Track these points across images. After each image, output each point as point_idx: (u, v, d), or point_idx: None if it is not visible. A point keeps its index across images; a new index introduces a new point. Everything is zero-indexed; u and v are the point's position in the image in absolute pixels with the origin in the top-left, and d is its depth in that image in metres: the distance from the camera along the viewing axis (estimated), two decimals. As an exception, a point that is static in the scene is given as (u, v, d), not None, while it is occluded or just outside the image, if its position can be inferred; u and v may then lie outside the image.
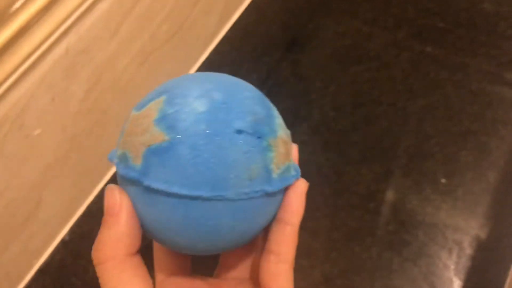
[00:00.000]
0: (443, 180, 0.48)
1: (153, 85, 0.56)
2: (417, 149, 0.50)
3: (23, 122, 0.37)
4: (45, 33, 0.35)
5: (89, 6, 0.38)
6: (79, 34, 0.38)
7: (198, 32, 0.55)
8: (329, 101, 0.54)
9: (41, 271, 0.46)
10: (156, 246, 0.26)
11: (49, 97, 0.38)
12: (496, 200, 0.47)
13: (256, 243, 0.26)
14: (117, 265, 0.20)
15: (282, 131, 0.22)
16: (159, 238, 0.22)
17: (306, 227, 0.33)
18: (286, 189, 0.23)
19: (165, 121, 0.20)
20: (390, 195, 0.48)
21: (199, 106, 0.20)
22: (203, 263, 0.27)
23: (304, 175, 0.24)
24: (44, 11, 0.35)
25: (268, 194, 0.21)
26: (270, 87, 0.54)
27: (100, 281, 0.20)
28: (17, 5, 0.33)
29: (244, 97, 0.22)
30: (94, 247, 0.21)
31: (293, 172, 0.23)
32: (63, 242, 0.47)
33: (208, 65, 0.57)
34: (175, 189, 0.20)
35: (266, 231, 0.24)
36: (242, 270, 0.26)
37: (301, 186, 0.23)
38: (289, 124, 0.24)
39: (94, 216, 0.49)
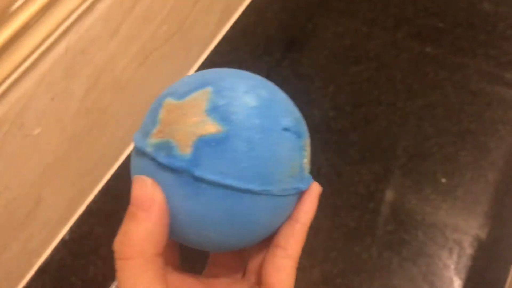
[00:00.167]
0: (442, 180, 0.48)
1: (152, 85, 0.57)
2: (417, 149, 0.50)
3: (23, 122, 0.37)
4: (45, 33, 0.36)
5: (89, 6, 0.38)
6: (79, 34, 0.38)
7: (197, 32, 0.55)
8: (328, 101, 0.54)
9: (41, 271, 0.46)
10: None
11: (48, 96, 0.38)
12: (496, 199, 0.47)
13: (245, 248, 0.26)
14: (142, 264, 0.19)
15: (307, 133, 0.23)
16: (185, 233, 0.22)
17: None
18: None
19: (218, 112, 0.20)
20: (389, 195, 0.48)
21: (250, 101, 0.21)
22: (192, 261, 0.27)
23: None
24: (44, 10, 0.35)
25: (299, 192, 0.23)
26: (270, 87, 0.54)
27: (119, 276, 0.19)
28: (17, 4, 0.33)
29: (282, 97, 0.23)
30: (120, 239, 0.20)
31: (309, 174, 0.24)
32: (63, 241, 0.47)
33: (208, 65, 0.57)
34: (229, 181, 0.20)
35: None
36: (233, 269, 0.26)
37: (316, 188, 0.23)
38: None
39: (94, 215, 0.49)
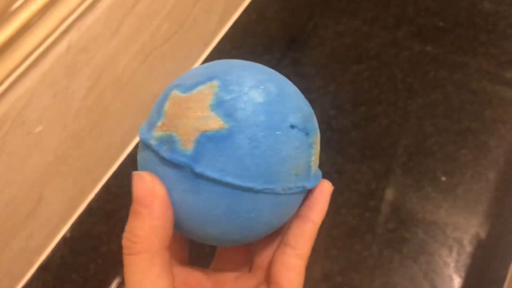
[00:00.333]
0: (443, 179, 0.49)
1: (153, 84, 0.57)
2: (417, 148, 0.50)
3: (25, 120, 0.37)
4: (46, 31, 0.36)
5: (90, 4, 0.38)
6: (80, 32, 0.38)
7: (198, 31, 0.55)
8: (329, 100, 0.54)
9: (42, 268, 0.46)
10: None
11: (50, 94, 0.38)
12: (496, 198, 0.47)
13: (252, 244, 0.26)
14: (150, 258, 0.19)
15: (317, 130, 0.23)
16: (187, 227, 0.22)
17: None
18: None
19: (223, 107, 0.20)
20: (390, 193, 0.48)
21: (257, 96, 0.20)
22: (200, 255, 0.27)
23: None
24: (46, 9, 0.35)
25: (305, 191, 0.22)
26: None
27: (126, 271, 0.20)
28: (18, 3, 0.33)
29: (292, 92, 0.22)
30: (127, 236, 0.20)
31: (319, 172, 0.23)
32: (64, 239, 0.47)
33: (209, 64, 0.57)
34: (229, 179, 0.20)
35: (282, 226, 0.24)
36: (240, 264, 0.26)
37: (328, 187, 0.23)
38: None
39: (95, 213, 0.49)
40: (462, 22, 0.59)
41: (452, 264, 0.44)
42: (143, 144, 0.22)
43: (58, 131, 0.41)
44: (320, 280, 0.44)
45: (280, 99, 0.21)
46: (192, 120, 0.20)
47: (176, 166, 0.20)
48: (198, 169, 0.20)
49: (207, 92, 0.20)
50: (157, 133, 0.21)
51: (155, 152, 0.21)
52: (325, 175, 0.24)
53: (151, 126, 0.22)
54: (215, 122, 0.20)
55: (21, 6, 0.33)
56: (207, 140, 0.20)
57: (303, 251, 0.22)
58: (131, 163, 0.51)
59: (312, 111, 0.23)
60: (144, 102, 0.52)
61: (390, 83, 0.55)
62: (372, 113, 0.53)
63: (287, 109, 0.21)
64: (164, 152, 0.20)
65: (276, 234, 0.24)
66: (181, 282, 0.24)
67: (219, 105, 0.20)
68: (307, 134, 0.21)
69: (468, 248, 0.45)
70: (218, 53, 0.58)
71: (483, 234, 0.46)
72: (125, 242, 0.20)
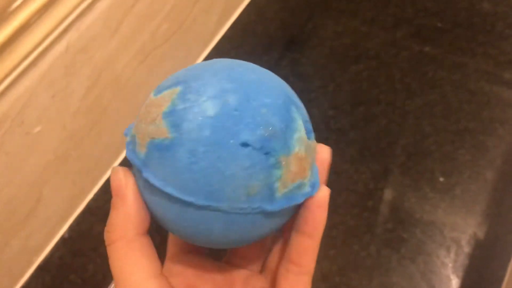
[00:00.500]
0: (441, 179, 0.49)
1: (152, 84, 0.57)
2: (415, 148, 0.51)
3: (24, 120, 0.37)
4: (45, 31, 0.36)
5: (89, 4, 0.38)
6: (79, 32, 0.38)
7: (198, 31, 0.55)
8: (328, 100, 0.54)
9: (41, 268, 0.46)
10: None
11: (49, 94, 0.38)
12: (494, 198, 0.47)
13: (266, 241, 0.26)
14: (126, 244, 0.20)
15: (300, 146, 0.20)
16: (161, 225, 0.22)
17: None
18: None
19: (173, 116, 0.20)
20: (388, 193, 0.48)
21: (209, 108, 0.19)
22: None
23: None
24: (45, 8, 0.35)
25: (268, 213, 0.20)
26: (269, 86, 0.55)
27: (110, 261, 0.21)
28: (17, 2, 0.33)
29: (262, 104, 0.20)
30: (106, 228, 0.21)
31: (307, 189, 0.21)
32: (62, 239, 0.47)
33: (208, 64, 0.57)
34: (169, 190, 0.20)
35: (283, 237, 0.23)
36: (252, 262, 0.25)
37: (322, 198, 0.21)
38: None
39: (94, 213, 0.49)
40: (461, 22, 0.59)
41: (450, 264, 0.44)
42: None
43: (57, 131, 0.41)
44: (318, 280, 0.44)
45: (237, 114, 0.19)
46: (147, 125, 0.20)
47: (135, 168, 0.21)
48: (145, 174, 0.20)
49: (167, 98, 0.20)
50: (131, 131, 0.22)
51: (126, 150, 0.22)
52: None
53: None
54: (161, 131, 0.20)
55: (20, 6, 0.33)
56: (154, 147, 0.20)
57: (308, 268, 0.22)
58: (130, 163, 0.51)
59: (292, 126, 0.20)
60: (144, 102, 0.52)
61: (388, 83, 0.55)
62: (370, 113, 0.53)
63: (243, 125, 0.19)
64: (128, 151, 0.21)
65: (288, 233, 0.23)
66: (193, 273, 0.24)
67: (171, 114, 0.20)
68: (266, 153, 0.19)
69: (466, 248, 0.45)
70: (217, 53, 0.58)
71: (481, 234, 0.46)
72: (105, 234, 0.21)
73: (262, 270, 0.25)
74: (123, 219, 0.21)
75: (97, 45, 0.41)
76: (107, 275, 0.46)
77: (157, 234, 0.23)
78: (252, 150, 0.19)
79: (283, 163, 0.20)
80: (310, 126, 0.22)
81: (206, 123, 0.19)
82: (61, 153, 0.43)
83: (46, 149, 0.41)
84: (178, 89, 0.20)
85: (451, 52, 0.57)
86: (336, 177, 0.49)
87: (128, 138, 0.22)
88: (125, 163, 0.51)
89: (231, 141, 0.19)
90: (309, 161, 0.21)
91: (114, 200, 0.21)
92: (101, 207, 0.49)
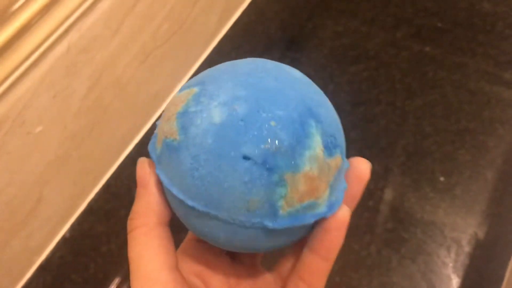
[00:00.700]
0: (441, 179, 0.49)
1: (153, 84, 0.57)
2: (415, 148, 0.51)
3: (25, 120, 0.37)
4: (46, 32, 0.36)
5: (90, 5, 0.38)
6: (80, 33, 0.38)
7: (198, 31, 0.55)
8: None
9: (42, 268, 0.46)
10: None
11: (50, 95, 0.38)
12: (494, 198, 0.47)
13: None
14: (146, 232, 0.21)
15: (312, 165, 0.19)
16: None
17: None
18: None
19: (184, 118, 0.19)
20: (388, 193, 0.48)
21: (216, 115, 0.19)
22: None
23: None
24: (46, 9, 0.35)
25: (271, 230, 0.19)
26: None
27: (128, 248, 0.21)
28: (19, 3, 0.33)
29: (273, 116, 0.19)
30: (129, 216, 0.21)
31: (321, 209, 0.20)
32: (63, 239, 0.48)
33: (209, 64, 0.57)
34: (175, 191, 0.20)
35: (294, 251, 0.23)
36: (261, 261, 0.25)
37: (341, 220, 0.20)
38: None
39: (95, 213, 0.49)
40: (461, 22, 0.59)
41: (450, 264, 0.44)
42: None
43: (58, 131, 0.41)
44: (319, 279, 0.44)
45: (242, 125, 0.18)
46: (164, 122, 0.20)
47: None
48: (157, 170, 0.20)
49: (183, 98, 0.20)
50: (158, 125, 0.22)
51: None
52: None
53: None
54: (173, 131, 0.20)
55: (21, 7, 0.33)
56: (166, 146, 0.20)
57: (319, 287, 0.21)
58: (131, 163, 0.51)
59: (305, 143, 0.19)
60: (144, 102, 0.52)
61: (388, 84, 0.55)
62: (370, 113, 0.53)
63: (247, 137, 0.18)
64: (150, 144, 0.21)
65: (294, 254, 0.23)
66: (204, 261, 0.23)
67: (183, 115, 0.19)
68: (269, 169, 0.18)
69: (466, 248, 0.45)
70: (218, 53, 0.58)
71: (481, 234, 0.46)
72: (128, 222, 0.21)
73: (272, 270, 0.24)
74: (145, 208, 0.21)
75: (98, 46, 0.41)
76: (108, 275, 0.46)
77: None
78: (253, 164, 0.18)
79: (289, 181, 0.18)
80: (337, 141, 0.20)
81: (210, 131, 0.19)
82: (62, 153, 0.43)
83: (47, 149, 0.41)
84: (195, 90, 0.20)
85: (451, 52, 0.57)
86: (336, 177, 0.49)
87: (155, 131, 0.22)
88: (127, 162, 0.51)
89: (232, 153, 0.18)
90: (325, 180, 0.19)
91: (138, 189, 0.22)
92: (102, 207, 0.49)
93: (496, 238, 0.46)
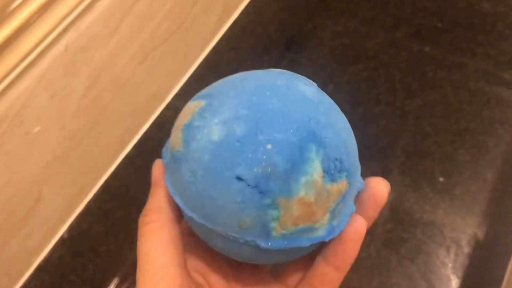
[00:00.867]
0: (440, 179, 0.49)
1: (152, 84, 0.57)
2: (415, 148, 0.51)
3: (23, 120, 0.37)
4: (44, 31, 0.36)
5: (89, 4, 0.38)
6: (78, 32, 0.38)
7: (197, 31, 0.55)
8: (327, 100, 0.54)
9: (40, 268, 0.46)
10: None
11: (48, 94, 0.38)
12: (494, 198, 0.47)
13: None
14: (157, 228, 0.21)
15: (307, 191, 0.18)
16: None
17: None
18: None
19: (188, 131, 0.20)
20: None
21: (215, 133, 0.19)
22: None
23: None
24: (44, 8, 0.35)
25: (264, 249, 0.19)
26: (269, 86, 0.54)
27: (138, 243, 0.21)
28: (17, 2, 0.33)
29: (270, 139, 0.18)
30: (142, 213, 0.22)
31: (319, 233, 0.20)
32: (62, 239, 0.47)
33: (208, 64, 0.57)
34: (176, 200, 0.20)
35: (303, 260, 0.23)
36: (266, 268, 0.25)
37: (358, 232, 0.20)
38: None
39: (94, 213, 0.49)
40: (461, 22, 0.59)
41: (449, 265, 0.44)
42: None
43: (56, 131, 0.41)
44: (318, 280, 0.44)
45: (238, 146, 0.18)
46: (174, 131, 0.21)
47: None
48: (165, 177, 0.21)
49: (191, 109, 0.21)
50: None
51: None
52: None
53: None
54: (178, 142, 0.20)
55: (19, 6, 0.33)
56: (172, 155, 0.21)
57: None
58: (130, 163, 0.51)
59: (301, 169, 0.18)
60: (143, 102, 0.52)
61: (388, 84, 0.55)
62: (370, 113, 0.53)
63: (241, 159, 0.18)
64: (164, 148, 0.22)
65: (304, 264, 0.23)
66: (205, 259, 0.24)
67: (188, 128, 0.20)
68: (262, 192, 0.18)
69: (466, 249, 0.45)
70: (217, 53, 0.58)
71: (481, 235, 0.46)
72: (140, 218, 0.22)
73: (279, 281, 0.24)
74: (157, 206, 0.22)
75: (97, 45, 0.41)
76: (106, 275, 0.46)
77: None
78: (246, 186, 0.18)
79: (281, 205, 0.18)
80: (343, 165, 0.20)
81: (208, 148, 0.19)
82: (60, 153, 0.43)
83: (45, 149, 0.41)
84: (202, 103, 0.20)
85: (450, 52, 0.57)
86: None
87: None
88: (125, 162, 0.51)
89: (226, 173, 0.18)
90: (324, 206, 0.19)
91: (152, 188, 0.23)
92: (100, 207, 0.49)
93: (495, 239, 0.46)
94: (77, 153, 0.44)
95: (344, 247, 0.20)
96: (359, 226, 0.20)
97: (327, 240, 0.20)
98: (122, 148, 0.52)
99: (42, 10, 0.35)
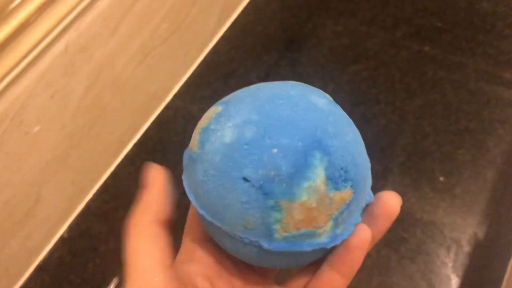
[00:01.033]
0: (441, 179, 0.49)
1: (152, 83, 0.57)
2: (415, 148, 0.51)
3: (23, 119, 0.37)
4: (44, 30, 0.36)
5: (89, 4, 0.38)
6: (78, 32, 0.38)
7: (197, 31, 0.55)
8: (327, 99, 0.54)
9: (40, 268, 0.46)
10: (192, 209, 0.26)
11: (48, 94, 0.38)
12: (494, 198, 0.47)
13: None
14: (140, 230, 0.21)
15: (309, 196, 0.19)
16: None
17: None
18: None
19: (204, 134, 0.21)
20: (388, 193, 0.48)
21: (227, 136, 0.20)
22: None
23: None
24: (44, 8, 0.35)
25: (267, 250, 0.20)
26: (269, 85, 0.55)
27: (125, 246, 0.21)
28: (17, 1, 0.33)
29: (276, 144, 0.19)
30: (131, 214, 0.22)
31: (321, 239, 0.20)
32: (62, 239, 0.47)
33: (207, 64, 0.57)
34: (190, 197, 0.21)
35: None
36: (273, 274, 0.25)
37: (362, 240, 0.20)
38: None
39: (93, 213, 0.49)
40: (460, 22, 0.59)
41: (450, 264, 0.44)
42: None
43: (56, 131, 0.41)
44: (318, 280, 0.44)
45: (246, 148, 0.19)
46: (194, 133, 0.22)
47: None
48: (183, 176, 0.22)
49: (209, 114, 0.22)
50: None
51: None
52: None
53: None
54: (195, 144, 0.21)
55: (19, 5, 0.33)
56: (189, 156, 0.22)
57: None
58: (129, 163, 0.51)
59: (304, 174, 0.19)
60: (143, 101, 0.52)
61: (388, 83, 0.55)
62: (370, 113, 0.53)
63: (248, 160, 0.19)
64: (186, 150, 0.23)
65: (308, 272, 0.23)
66: (214, 264, 0.24)
67: (205, 131, 0.21)
68: (265, 194, 0.19)
69: (466, 248, 0.45)
70: (216, 53, 0.58)
71: (481, 234, 0.46)
72: (130, 218, 0.22)
73: (283, 285, 0.24)
74: (142, 206, 0.22)
75: (96, 45, 0.41)
76: (106, 275, 0.46)
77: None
78: (251, 187, 0.19)
79: (284, 207, 0.19)
80: (348, 175, 0.20)
81: (220, 150, 0.20)
82: (60, 153, 0.42)
83: (45, 149, 0.41)
84: (219, 108, 0.21)
85: (450, 52, 0.57)
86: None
87: None
88: (125, 162, 0.51)
89: (234, 173, 0.19)
90: (326, 213, 0.20)
91: (143, 190, 0.23)
92: (100, 207, 0.49)
93: (495, 238, 0.46)
94: (76, 153, 0.44)
95: (349, 255, 0.21)
96: (364, 235, 0.21)
97: (328, 247, 0.20)
98: (122, 148, 0.52)
99: (41, 10, 0.35)
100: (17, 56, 0.34)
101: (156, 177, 0.22)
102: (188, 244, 0.24)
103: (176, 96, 0.54)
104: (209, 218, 0.20)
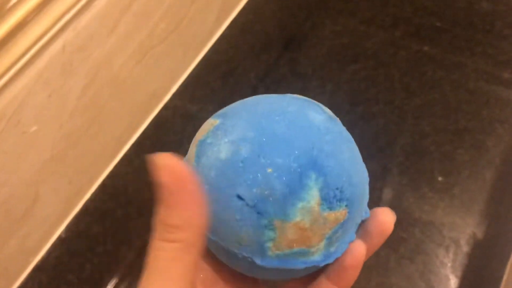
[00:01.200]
0: (439, 178, 0.49)
1: (150, 83, 0.56)
2: (414, 147, 0.50)
3: (20, 119, 0.37)
4: (42, 29, 0.35)
5: (87, 3, 0.38)
6: (76, 31, 0.38)
7: (195, 31, 0.55)
8: (326, 99, 0.54)
9: (37, 268, 0.46)
10: None
11: (46, 93, 0.38)
12: (493, 198, 0.47)
13: None
14: (178, 251, 0.20)
15: (303, 217, 0.19)
16: None
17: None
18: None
19: (201, 147, 0.21)
20: (387, 193, 0.48)
21: (223, 152, 0.20)
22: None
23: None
24: (41, 7, 0.35)
25: (260, 266, 0.20)
26: (268, 85, 0.54)
27: (150, 257, 0.18)
28: (14, 1, 0.33)
29: (271, 163, 0.19)
30: (160, 227, 0.20)
31: (314, 258, 0.20)
32: (59, 239, 0.47)
33: (206, 63, 0.57)
34: None
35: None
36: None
37: (357, 257, 0.21)
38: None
39: (91, 213, 0.49)
40: (460, 22, 0.59)
41: (449, 264, 0.44)
42: None
43: (53, 131, 0.41)
44: (317, 280, 0.44)
45: (241, 166, 0.19)
46: (191, 145, 0.22)
47: None
48: None
49: (207, 126, 0.22)
50: None
51: None
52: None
53: None
54: (192, 156, 0.21)
55: (17, 4, 0.33)
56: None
57: None
58: (127, 163, 0.51)
59: (299, 195, 0.19)
60: (141, 101, 0.52)
61: (387, 83, 0.55)
62: (369, 112, 0.53)
63: (242, 179, 0.19)
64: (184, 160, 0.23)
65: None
66: (213, 272, 0.23)
67: (201, 144, 0.21)
68: (259, 213, 0.19)
69: (465, 248, 0.45)
70: (215, 53, 0.58)
71: (480, 234, 0.46)
72: (158, 225, 0.18)
73: None
74: (185, 222, 0.18)
75: (94, 44, 0.40)
76: (104, 275, 0.45)
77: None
78: (245, 205, 0.19)
79: (277, 226, 0.19)
80: (343, 195, 0.20)
81: (215, 165, 0.20)
82: (57, 153, 0.42)
83: (42, 149, 0.41)
84: (217, 121, 0.21)
85: (450, 52, 0.57)
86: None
87: None
88: (123, 162, 0.51)
89: (228, 190, 0.19)
90: (319, 233, 0.20)
91: (172, 195, 0.18)
92: (98, 207, 0.49)
93: (494, 238, 0.46)
94: (74, 152, 0.44)
95: (344, 273, 0.21)
96: (358, 253, 0.21)
97: (321, 265, 0.21)
98: (120, 148, 0.52)
99: (39, 9, 0.35)
100: (15, 55, 0.34)
101: (182, 175, 0.17)
102: None
103: (174, 96, 0.54)
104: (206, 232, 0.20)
